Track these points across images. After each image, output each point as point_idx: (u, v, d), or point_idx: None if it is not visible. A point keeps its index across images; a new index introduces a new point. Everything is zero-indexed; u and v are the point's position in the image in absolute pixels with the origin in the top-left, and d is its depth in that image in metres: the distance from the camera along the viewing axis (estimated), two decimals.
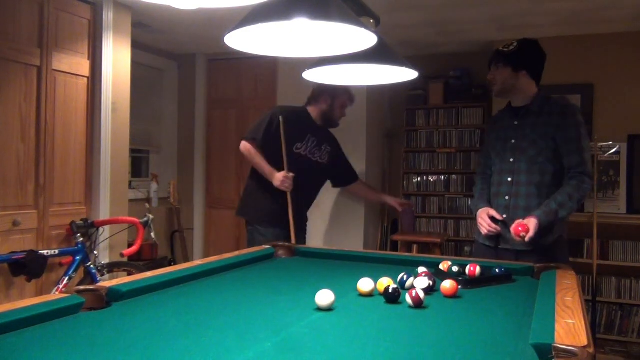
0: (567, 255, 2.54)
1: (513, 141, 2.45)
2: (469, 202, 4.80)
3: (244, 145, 3.12)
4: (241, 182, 5.01)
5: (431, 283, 1.77)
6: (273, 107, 3.36)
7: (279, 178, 3.01)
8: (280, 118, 3.03)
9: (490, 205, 2.51)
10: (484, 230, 2.44)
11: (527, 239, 2.21)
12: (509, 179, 2.44)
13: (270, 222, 3.13)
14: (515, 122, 2.46)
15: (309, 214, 3.43)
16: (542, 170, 2.38)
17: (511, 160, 2.45)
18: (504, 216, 2.43)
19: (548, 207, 2.29)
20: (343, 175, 3.50)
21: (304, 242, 3.33)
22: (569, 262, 2.30)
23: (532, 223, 2.24)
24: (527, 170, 2.39)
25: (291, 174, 3.02)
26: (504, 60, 2.43)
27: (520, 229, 2.22)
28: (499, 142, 2.52)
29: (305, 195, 3.24)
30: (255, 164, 3.12)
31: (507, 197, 2.44)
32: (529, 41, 2.47)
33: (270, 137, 3.07)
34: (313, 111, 3.22)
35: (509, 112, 2.53)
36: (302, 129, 3.14)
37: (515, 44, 2.42)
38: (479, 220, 2.47)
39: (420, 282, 1.75)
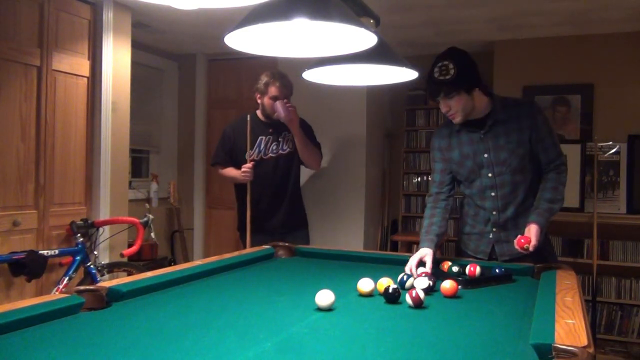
0: (554, 254, 2.54)
1: (486, 155, 2.27)
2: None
3: (215, 170, 3.42)
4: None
5: (431, 283, 1.77)
6: (224, 127, 3.44)
7: (240, 173, 3.14)
8: (248, 117, 3.13)
9: (437, 241, 2.25)
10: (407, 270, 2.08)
11: (531, 248, 2.10)
12: (492, 194, 2.30)
13: (252, 230, 3.16)
14: (481, 135, 2.27)
15: (311, 213, 3.45)
16: (525, 176, 2.29)
17: (489, 175, 2.29)
18: (493, 229, 2.33)
19: (541, 209, 2.21)
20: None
21: (307, 242, 3.34)
22: (557, 260, 2.30)
23: (533, 230, 2.14)
24: (511, 181, 2.27)
25: (249, 164, 3.11)
26: (454, 88, 2.16)
27: (523, 241, 2.11)
28: (466, 160, 2.32)
29: (281, 190, 3.27)
30: (228, 178, 3.32)
31: (494, 213, 2.32)
32: (460, 56, 2.22)
33: (228, 154, 3.29)
34: (260, 113, 3.30)
35: (466, 126, 2.30)
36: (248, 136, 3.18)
37: (451, 67, 2.16)
38: (407, 265, 2.11)
39: (420, 282, 1.75)
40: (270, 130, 3.25)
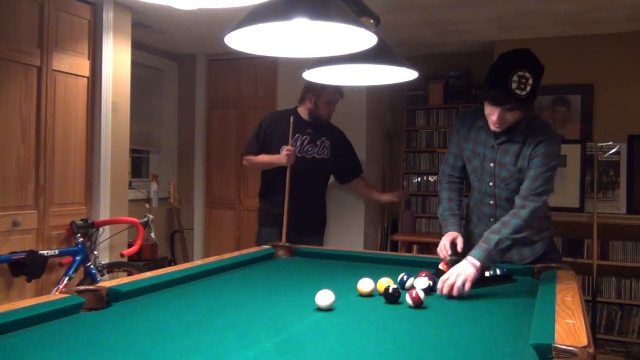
0: (559, 256, 2.51)
1: (491, 165, 2.22)
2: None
3: (245, 160, 3.32)
4: (241, 182, 5.01)
5: (431, 283, 1.77)
6: (261, 118, 3.41)
7: (283, 154, 3.10)
8: (292, 118, 3.14)
9: (462, 224, 2.27)
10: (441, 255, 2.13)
11: (439, 290, 1.78)
12: (491, 202, 2.28)
13: (271, 222, 3.20)
14: (493, 145, 2.21)
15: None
16: None
17: (490, 184, 2.25)
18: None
19: (485, 243, 1.94)
20: (345, 170, 3.49)
21: (320, 243, 3.35)
22: (562, 261, 2.27)
23: (456, 266, 1.85)
24: (509, 198, 2.20)
25: (292, 148, 3.10)
26: (522, 105, 2.05)
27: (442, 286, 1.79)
28: (475, 158, 2.28)
29: (308, 193, 3.26)
30: (260, 164, 3.26)
31: (491, 219, 2.28)
32: (538, 69, 2.05)
33: (261, 144, 3.25)
34: (302, 110, 3.28)
35: (486, 127, 2.20)
36: (285, 130, 3.17)
37: (530, 82, 1.99)
38: (440, 245, 2.16)
39: (420, 282, 1.75)
40: (309, 131, 3.24)
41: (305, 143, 3.22)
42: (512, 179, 2.18)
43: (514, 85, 1.99)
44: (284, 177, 3.12)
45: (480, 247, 1.92)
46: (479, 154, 2.26)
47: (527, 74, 1.99)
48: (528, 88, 1.99)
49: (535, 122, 2.18)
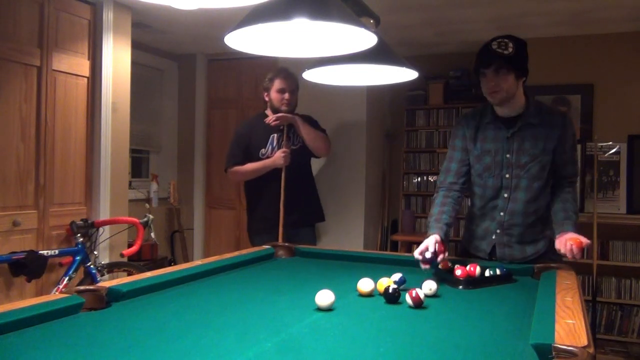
0: (560, 256, 2.50)
1: (508, 156, 2.22)
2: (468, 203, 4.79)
3: (230, 173, 3.32)
4: (241, 182, 5.01)
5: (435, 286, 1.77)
6: (235, 129, 3.45)
7: (279, 156, 3.17)
8: (285, 128, 3.23)
9: (448, 230, 2.19)
10: (416, 255, 2.04)
11: (583, 246, 2.04)
12: (505, 195, 2.26)
13: (266, 229, 3.20)
14: (509, 135, 2.22)
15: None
16: (541, 185, 2.25)
17: (507, 176, 2.24)
18: (497, 231, 2.29)
19: (572, 220, 2.17)
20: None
21: (312, 241, 3.36)
22: (562, 261, 2.26)
23: (574, 234, 2.09)
24: (527, 187, 2.23)
25: (286, 149, 3.17)
26: (508, 64, 2.12)
27: (573, 244, 2.02)
28: (486, 155, 2.27)
29: (297, 186, 3.28)
30: (252, 171, 3.27)
31: (502, 213, 2.27)
32: (520, 41, 2.18)
33: (244, 153, 3.27)
34: (269, 112, 3.33)
35: (495, 122, 2.25)
36: (260, 134, 3.27)
37: (511, 45, 2.13)
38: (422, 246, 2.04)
39: (427, 285, 1.72)
40: (281, 128, 3.28)
41: (280, 139, 3.27)
42: (534, 162, 2.21)
43: (494, 47, 2.14)
44: (272, 180, 3.18)
45: (575, 228, 2.15)
46: (490, 151, 2.26)
47: (505, 40, 2.15)
48: (510, 49, 2.12)
49: (542, 106, 2.30)
